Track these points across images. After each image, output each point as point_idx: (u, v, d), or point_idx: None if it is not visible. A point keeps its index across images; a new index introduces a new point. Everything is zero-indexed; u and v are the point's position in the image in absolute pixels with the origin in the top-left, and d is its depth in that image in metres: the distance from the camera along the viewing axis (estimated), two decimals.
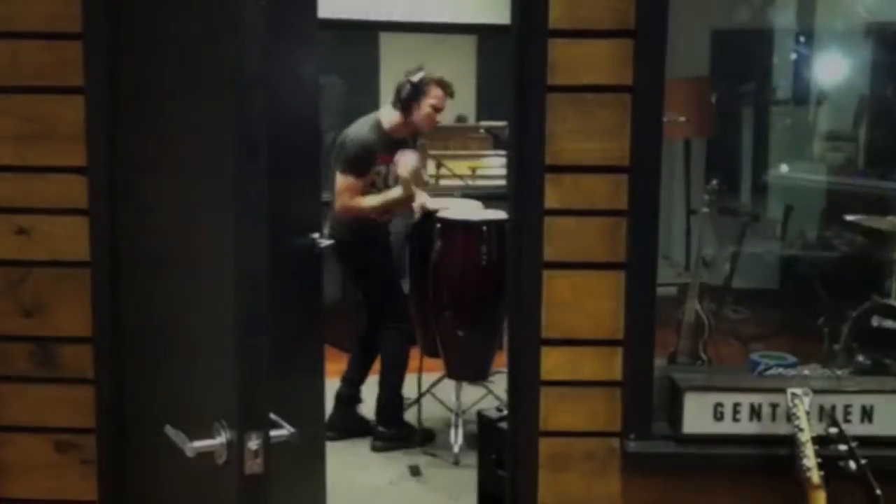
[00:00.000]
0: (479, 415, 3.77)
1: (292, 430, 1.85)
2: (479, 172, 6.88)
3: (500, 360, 4.71)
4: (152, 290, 2.13)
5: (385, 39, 7.71)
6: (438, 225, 4.44)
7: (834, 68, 7.23)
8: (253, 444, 1.73)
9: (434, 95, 4.52)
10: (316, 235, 3.51)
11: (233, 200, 1.67)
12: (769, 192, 6.77)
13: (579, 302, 2.43)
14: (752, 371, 2.80)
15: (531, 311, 2.41)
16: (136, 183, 2.19)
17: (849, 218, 5.13)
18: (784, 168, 6.91)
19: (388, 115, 4.52)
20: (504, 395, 4.94)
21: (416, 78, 4.47)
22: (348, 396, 4.69)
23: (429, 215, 4.54)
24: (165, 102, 1.97)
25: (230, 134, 1.63)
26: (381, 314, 4.61)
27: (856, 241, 5.90)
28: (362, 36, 7.60)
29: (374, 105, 6.99)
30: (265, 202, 1.68)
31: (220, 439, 1.77)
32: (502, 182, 7.20)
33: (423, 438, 4.64)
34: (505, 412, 3.66)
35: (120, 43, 2.20)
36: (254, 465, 1.74)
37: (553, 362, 2.44)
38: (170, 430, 1.86)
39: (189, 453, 1.77)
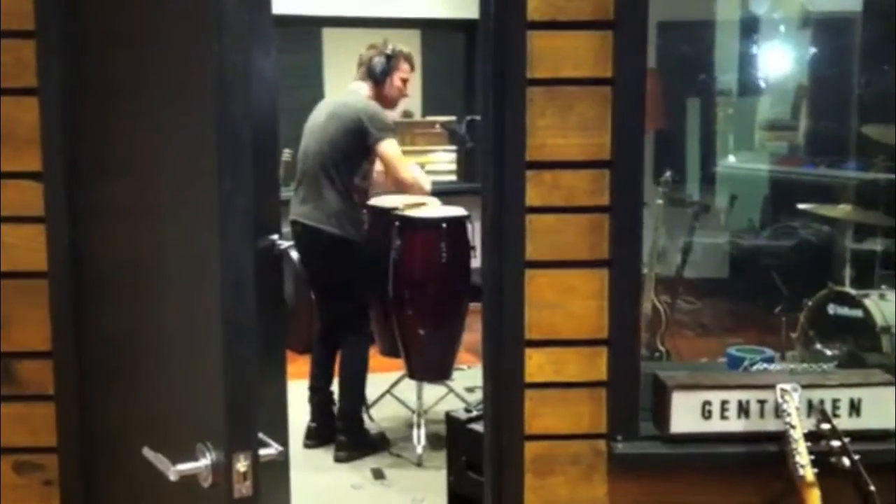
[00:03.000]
0: (448, 416, 3.67)
1: (280, 447, 1.74)
2: (428, 168, 6.78)
3: (460, 357, 4.63)
4: (123, 300, 2.00)
5: (328, 35, 7.56)
6: (397, 223, 4.33)
7: (775, 58, 7.28)
8: (241, 465, 1.62)
9: (403, 69, 4.42)
10: (275, 237, 3.39)
11: (218, 206, 1.55)
12: (717, 182, 6.78)
13: (562, 301, 2.35)
14: (731, 367, 2.74)
15: (513, 312, 2.33)
16: (102, 188, 2.05)
17: (801, 206, 5.15)
18: (731, 158, 6.93)
19: (362, 90, 4.38)
20: (465, 394, 4.89)
21: (389, 49, 4.36)
22: (322, 403, 4.53)
23: (386, 213, 4.43)
24: (135, 103, 1.84)
25: (215, 135, 1.51)
26: (347, 317, 4.45)
27: (804, 230, 5.93)
28: (305, 32, 7.44)
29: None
30: (252, 206, 1.57)
31: (205, 461, 1.65)
32: (453, 178, 7.14)
33: (382, 443, 4.52)
34: (474, 413, 3.59)
35: (80, 41, 2.06)
36: (242, 488, 1.63)
37: (536, 364, 2.35)
38: (149, 453, 1.74)
39: (172, 477, 1.65)
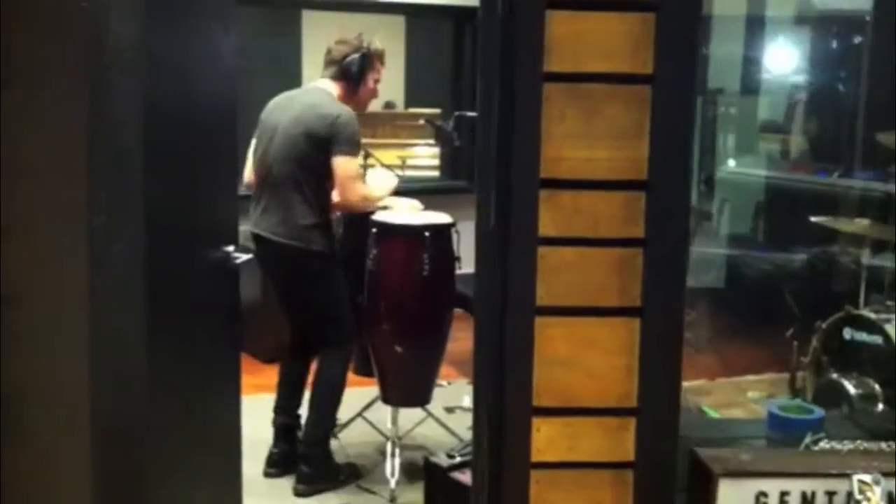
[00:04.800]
0: (427, 462, 3.11)
1: None
2: (409, 163, 6.20)
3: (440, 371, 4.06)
4: None
5: (308, 18, 6.97)
6: (374, 229, 3.75)
7: (774, 58, 6.76)
8: None
9: (377, 69, 3.82)
10: (231, 248, 2.81)
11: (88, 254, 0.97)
12: (716, 187, 6.26)
13: (580, 359, 1.80)
14: (773, 428, 2.20)
15: (519, 371, 1.77)
16: None
17: (814, 219, 4.61)
18: (731, 163, 6.41)
19: (331, 89, 3.77)
20: (445, 416, 4.33)
21: (367, 48, 3.74)
22: (287, 426, 3.92)
23: (363, 217, 3.85)
24: None
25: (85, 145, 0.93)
26: (325, 331, 3.83)
27: (813, 244, 5.41)
28: (283, 14, 6.85)
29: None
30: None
31: None
32: (435, 174, 6.57)
33: (350, 475, 3.93)
34: (457, 458, 3.03)
35: None
36: None
37: (546, 438, 1.80)
38: None
39: None
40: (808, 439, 1.99)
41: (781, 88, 6.66)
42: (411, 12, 6.82)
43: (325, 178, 3.70)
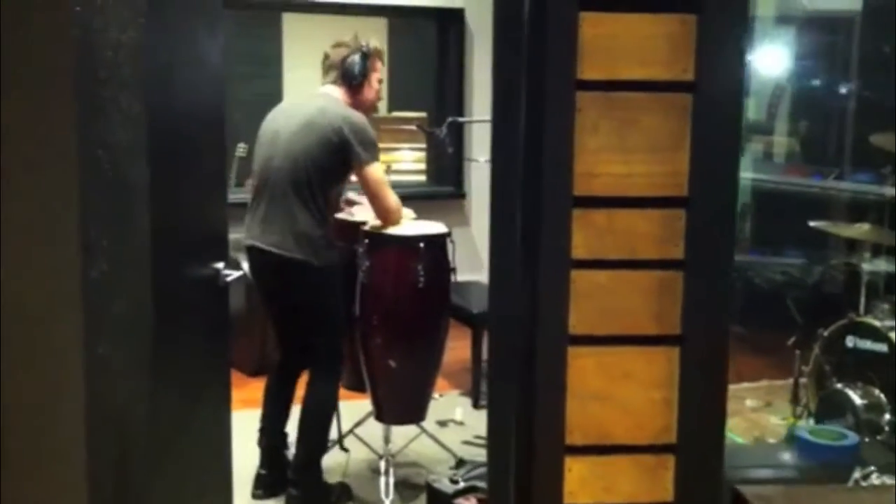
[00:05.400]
0: (430, 488, 2.94)
1: None
2: (394, 168, 6.01)
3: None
4: None
5: (289, 21, 6.76)
6: (367, 240, 3.57)
7: (760, 58, 6.63)
8: None
9: (378, 68, 3.62)
10: (220, 265, 2.63)
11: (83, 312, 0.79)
12: None
13: (615, 392, 1.63)
14: (803, 453, 2.04)
15: (549, 406, 1.60)
16: None
17: (812, 224, 4.46)
18: None
19: (337, 95, 3.56)
20: (437, 430, 4.15)
21: (366, 48, 3.54)
22: (274, 447, 3.71)
23: (354, 228, 3.67)
24: None
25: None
26: (320, 350, 3.63)
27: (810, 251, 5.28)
28: (263, 17, 6.64)
29: (277, 94, 6.09)
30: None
31: None
32: (421, 178, 6.39)
33: (341, 495, 3.73)
34: (461, 484, 2.86)
35: None
36: None
37: (578, 478, 1.63)
38: None
39: None
40: (857, 474, 1.84)
41: (768, 89, 6.53)
42: (393, 14, 6.63)
43: (332, 188, 3.52)
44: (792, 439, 2.18)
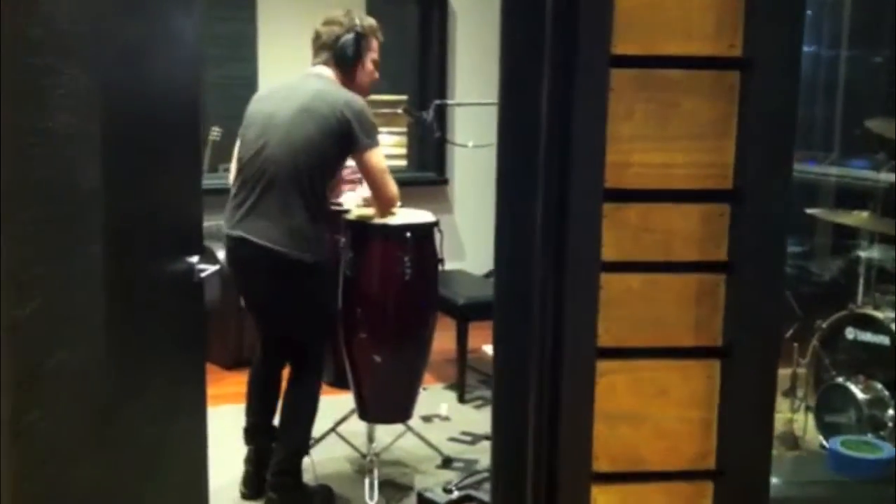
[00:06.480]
0: (420, 497, 2.72)
1: None
2: None
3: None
4: None
5: (264, 2, 6.49)
6: (350, 230, 3.34)
7: None
8: None
9: (374, 48, 3.35)
10: (195, 259, 2.39)
11: None
12: None
13: (647, 412, 1.42)
14: (836, 467, 1.85)
15: (574, 428, 1.38)
16: None
17: (809, 211, 4.27)
18: None
19: (332, 76, 3.30)
20: (423, 426, 3.95)
21: (360, 26, 3.27)
22: (264, 444, 3.46)
23: (336, 217, 3.43)
24: None
25: None
26: (304, 349, 3.38)
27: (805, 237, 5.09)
28: None
29: (253, 77, 5.83)
30: None
31: None
32: (402, 163, 6.13)
33: (324, 499, 3.49)
34: (455, 493, 2.65)
35: None
36: None
37: None
38: None
39: None
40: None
41: None
42: None
43: (330, 177, 3.27)
44: (823, 452, 2.00)
